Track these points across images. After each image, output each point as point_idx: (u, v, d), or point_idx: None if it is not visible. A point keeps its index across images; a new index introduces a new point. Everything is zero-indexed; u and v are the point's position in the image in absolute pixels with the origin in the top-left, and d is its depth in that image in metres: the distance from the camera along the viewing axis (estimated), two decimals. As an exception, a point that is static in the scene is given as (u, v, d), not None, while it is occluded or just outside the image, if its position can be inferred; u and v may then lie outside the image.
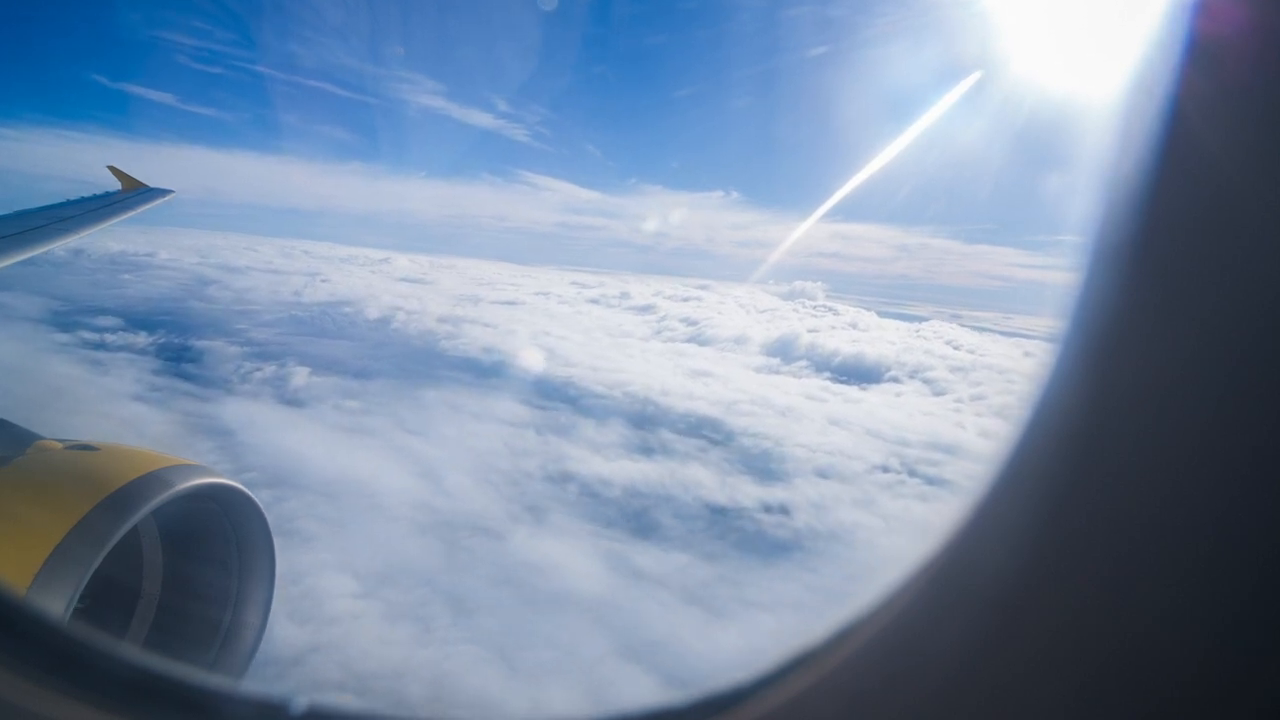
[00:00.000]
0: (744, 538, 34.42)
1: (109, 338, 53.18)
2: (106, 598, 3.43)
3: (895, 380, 69.29)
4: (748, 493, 38.85)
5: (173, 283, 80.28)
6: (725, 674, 1.05)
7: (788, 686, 1.01)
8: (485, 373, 57.78)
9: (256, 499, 3.72)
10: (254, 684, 3.70)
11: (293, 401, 45.86)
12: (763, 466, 42.78)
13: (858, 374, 69.67)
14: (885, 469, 44.70)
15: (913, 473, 44.43)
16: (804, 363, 73.14)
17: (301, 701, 1.18)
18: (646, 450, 43.45)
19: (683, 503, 37.12)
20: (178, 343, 54.56)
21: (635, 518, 35.17)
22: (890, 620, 0.95)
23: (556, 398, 52.83)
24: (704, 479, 40.02)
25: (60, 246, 8.42)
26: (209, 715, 1.32)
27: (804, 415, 53.39)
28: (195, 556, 3.76)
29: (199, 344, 55.20)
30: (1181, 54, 0.72)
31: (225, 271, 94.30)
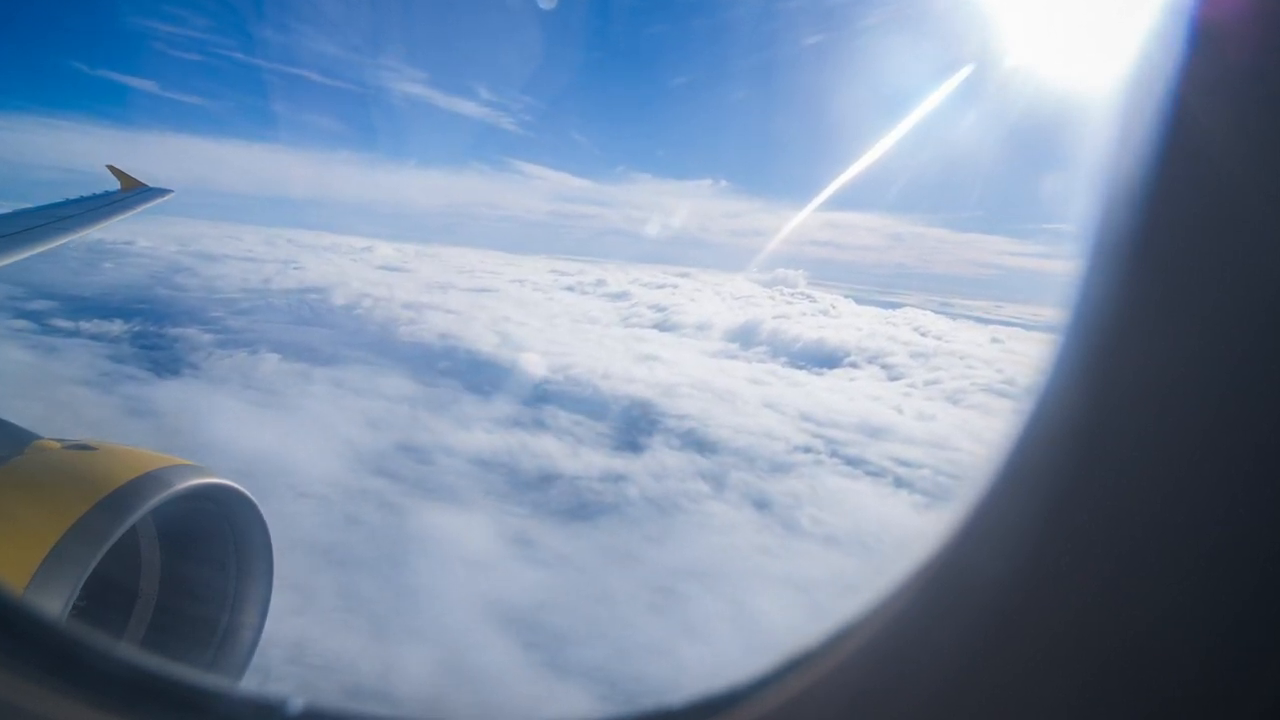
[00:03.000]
0: (596, 507, 35.64)
1: (64, 323, 53.01)
2: (104, 598, 3.46)
3: (853, 365, 69.80)
4: (628, 467, 39.89)
5: (144, 270, 78.89)
6: (722, 676, 1.07)
7: (787, 687, 1.02)
8: (432, 357, 58.24)
9: (254, 499, 3.76)
10: (251, 684, 3.83)
11: (232, 384, 46.33)
12: (662, 443, 44.01)
13: (817, 359, 70.17)
14: (807, 449, 45.61)
15: (834, 453, 45.20)
16: (764, 348, 73.53)
17: (298, 702, 1.21)
18: (562, 432, 44.36)
19: (576, 479, 38.30)
20: (135, 329, 54.64)
21: (546, 498, 36.19)
22: (889, 621, 0.96)
23: (493, 380, 53.20)
24: (599, 458, 41.01)
25: (58, 246, 8.67)
26: (206, 715, 1.35)
27: (740, 398, 54.04)
28: (193, 557, 3.80)
29: (155, 330, 55.28)
30: (1182, 42, 0.72)
31: (200, 259, 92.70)
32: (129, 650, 3.00)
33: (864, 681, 0.97)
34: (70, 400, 39.09)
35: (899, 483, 42.10)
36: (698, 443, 45.18)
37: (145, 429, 35.59)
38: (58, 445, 3.60)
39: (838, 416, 51.47)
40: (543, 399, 50.29)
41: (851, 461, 44.64)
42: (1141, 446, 0.75)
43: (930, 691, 0.89)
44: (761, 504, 37.83)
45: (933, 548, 0.95)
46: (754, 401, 54.09)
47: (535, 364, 58.90)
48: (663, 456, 42.14)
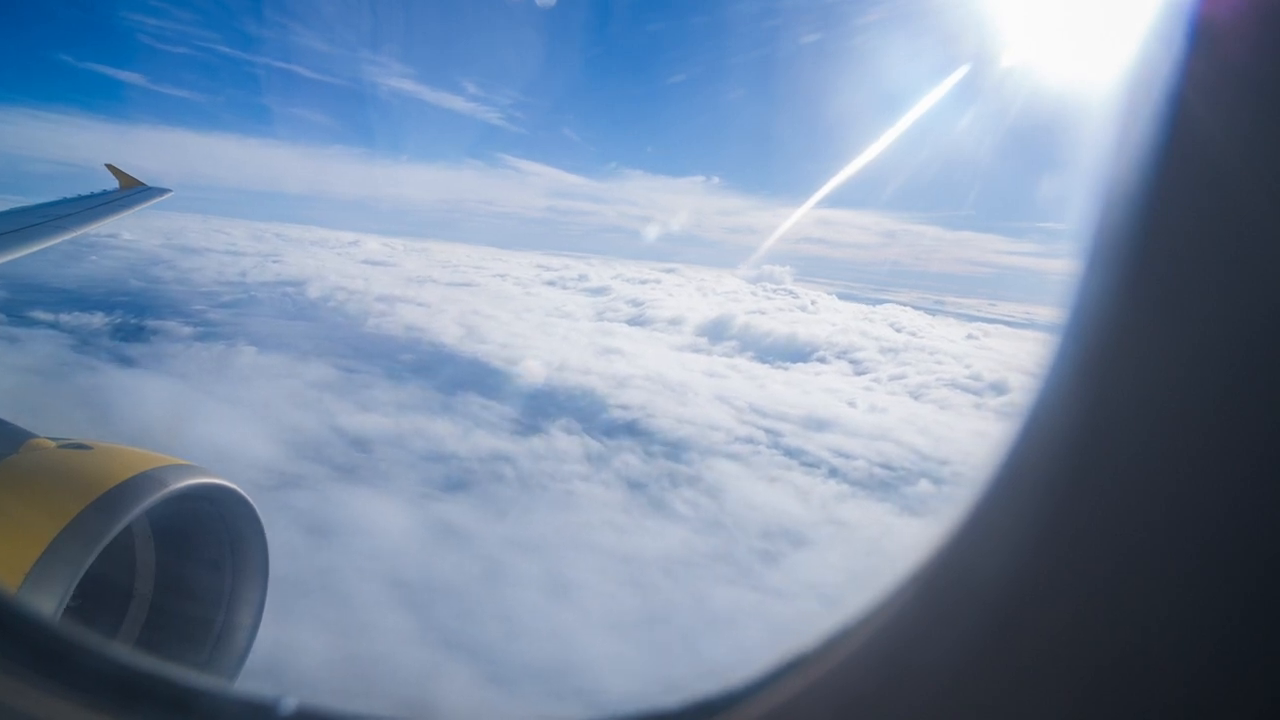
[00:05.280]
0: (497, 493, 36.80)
1: (44, 315, 53.42)
2: (98, 597, 3.45)
3: (821, 360, 70.34)
4: (532, 451, 41.21)
5: (123, 263, 79.45)
6: (719, 677, 1.07)
7: (782, 690, 1.02)
8: (395, 348, 58.93)
9: (251, 499, 3.74)
10: (246, 684, 3.83)
11: (185, 373, 47.20)
12: (578, 430, 44.77)
13: (786, 354, 70.44)
14: (748, 440, 46.27)
15: (774, 444, 45.86)
16: (734, 343, 73.72)
17: (292, 702, 1.21)
18: (483, 419, 45.12)
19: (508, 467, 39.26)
20: (106, 320, 54.98)
21: (437, 477, 37.02)
22: (885, 624, 0.96)
23: (446, 371, 54.36)
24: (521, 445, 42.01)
25: (56, 245, 8.66)
26: (201, 715, 1.34)
27: (692, 390, 54.58)
28: (188, 556, 3.77)
29: (120, 321, 55.69)
30: (1181, 41, 0.71)
31: (181, 253, 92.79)
32: (123, 650, 2.88)
33: (863, 683, 0.97)
34: (17, 390, 39.51)
35: (832, 472, 42.78)
36: (626, 431, 46.02)
37: (89, 418, 35.94)
38: (52, 444, 3.59)
39: (787, 409, 52.04)
40: (488, 389, 50.72)
41: (790, 452, 45.33)
42: (1141, 447, 0.74)
43: (929, 692, 0.89)
44: (638, 485, 38.80)
45: (932, 548, 0.94)
46: (705, 394, 54.57)
47: (492, 356, 59.56)
48: (565, 442, 43.11)
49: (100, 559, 3.04)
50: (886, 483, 42.22)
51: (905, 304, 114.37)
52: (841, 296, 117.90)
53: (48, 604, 2.78)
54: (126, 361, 48.17)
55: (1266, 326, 0.68)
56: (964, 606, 0.88)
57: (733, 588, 30.46)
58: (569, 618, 26.48)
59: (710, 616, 27.74)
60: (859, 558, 33.83)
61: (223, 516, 3.73)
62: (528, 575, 28.78)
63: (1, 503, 3.17)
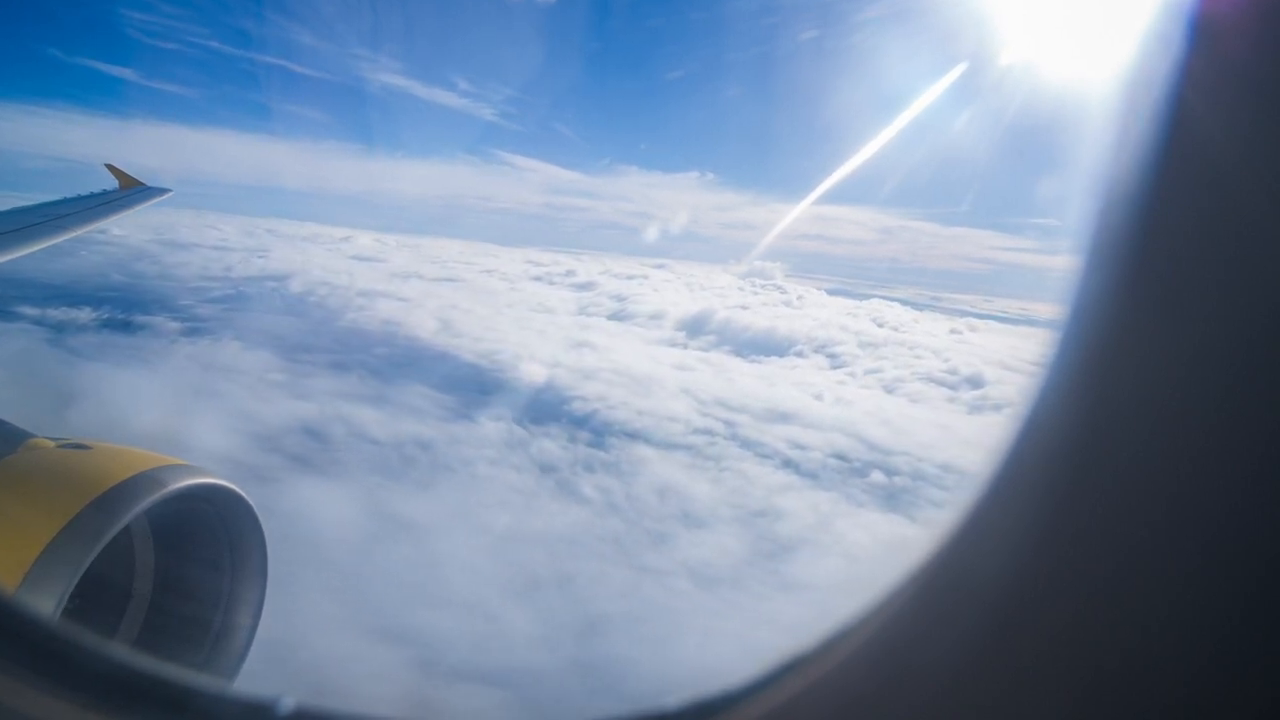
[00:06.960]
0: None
1: (20, 309, 52.96)
2: (97, 598, 3.45)
3: (798, 355, 70.51)
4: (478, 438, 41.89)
5: (109, 258, 77.67)
6: (718, 678, 1.06)
7: (782, 690, 1.02)
8: (367, 342, 59.41)
9: (250, 499, 3.75)
10: (244, 685, 3.80)
11: (155, 368, 47.05)
12: (521, 418, 45.22)
13: (764, 348, 70.42)
14: (706, 431, 46.68)
15: (732, 435, 46.34)
16: (712, 337, 73.94)
17: (290, 702, 1.21)
18: (458, 413, 45.59)
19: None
20: (86, 315, 55.05)
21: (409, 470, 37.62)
22: (885, 624, 0.97)
23: (412, 364, 54.51)
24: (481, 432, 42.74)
25: (56, 244, 8.75)
26: (200, 715, 1.35)
27: (659, 384, 54.86)
28: (187, 556, 3.78)
29: (102, 316, 56.08)
30: (1182, 38, 0.71)
31: (168, 248, 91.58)
32: (122, 650, 2.91)
33: (863, 683, 0.97)
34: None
35: (785, 463, 43.13)
36: (580, 422, 46.18)
37: (63, 413, 35.68)
38: (52, 444, 3.60)
39: (752, 402, 52.32)
40: (451, 381, 51.03)
41: (746, 443, 45.66)
42: (1141, 447, 0.74)
43: (929, 692, 0.89)
44: (549, 469, 39.46)
45: (931, 548, 0.94)
46: (671, 387, 54.67)
47: (463, 349, 60.11)
48: (513, 432, 43.42)
49: (99, 559, 3.04)
50: (837, 473, 42.31)
51: (896, 299, 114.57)
52: (833, 292, 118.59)
53: (46, 604, 2.78)
54: (100, 356, 47.83)
55: (1266, 326, 0.68)
56: (964, 606, 0.88)
57: (619, 568, 30.67)
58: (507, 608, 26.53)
59: (582, 599, 28.02)
60: (772, 545, 34.14)
61: (222, 517, 3.73)
62: (449, 561, 28.98)
63: (0, 502, 3.18)
